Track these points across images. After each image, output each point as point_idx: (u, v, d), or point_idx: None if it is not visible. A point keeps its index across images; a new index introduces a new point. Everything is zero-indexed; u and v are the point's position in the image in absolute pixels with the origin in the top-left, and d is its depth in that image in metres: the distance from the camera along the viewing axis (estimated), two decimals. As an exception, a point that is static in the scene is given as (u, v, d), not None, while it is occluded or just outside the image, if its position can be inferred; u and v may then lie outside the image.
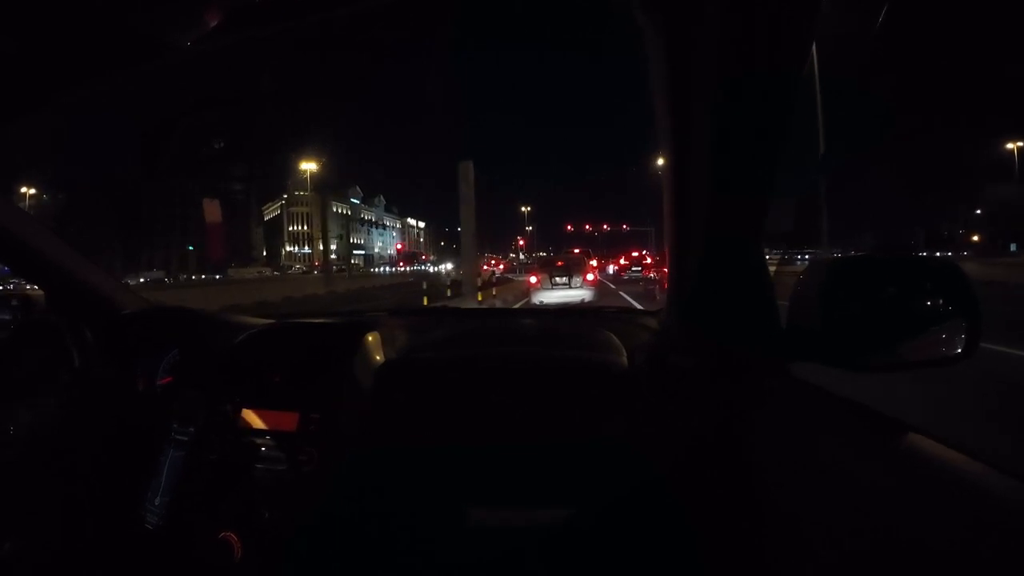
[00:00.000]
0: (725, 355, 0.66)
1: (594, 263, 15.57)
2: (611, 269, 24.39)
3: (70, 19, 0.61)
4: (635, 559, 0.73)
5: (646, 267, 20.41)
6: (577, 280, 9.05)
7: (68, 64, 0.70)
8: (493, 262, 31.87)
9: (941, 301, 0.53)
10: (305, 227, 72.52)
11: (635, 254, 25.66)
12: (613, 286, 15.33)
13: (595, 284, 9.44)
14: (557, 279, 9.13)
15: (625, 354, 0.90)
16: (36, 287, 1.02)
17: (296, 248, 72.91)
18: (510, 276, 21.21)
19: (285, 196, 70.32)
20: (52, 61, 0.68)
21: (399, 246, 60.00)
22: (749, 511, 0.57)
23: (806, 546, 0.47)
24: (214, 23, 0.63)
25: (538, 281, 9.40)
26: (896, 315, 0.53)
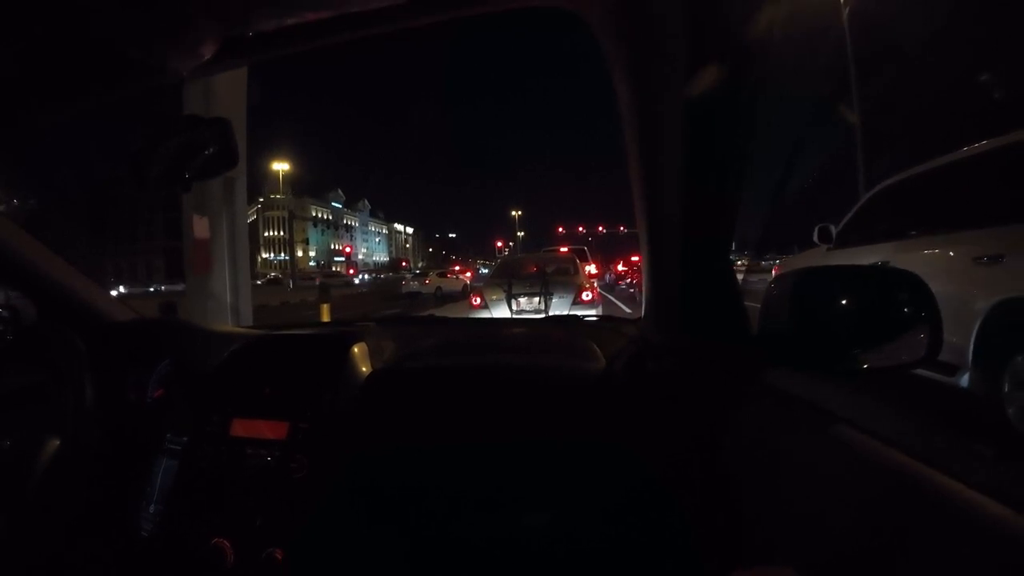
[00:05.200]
0: (701, 360, 0.71)
1: (592, 269, 12.22)
2: (608, 277, 22.15)
3: (63, 41, 0.66)
4: (618, 561, 0.78)
5: (630, 272, 18.12)
6: (563, 301, 5.51)
7: (58, 84, 0.74)
8: (457, 268, 29.76)
9: (904, 309, 0.59)
10: (281, 232, 71.80)
11: (635, 259, 21.57)
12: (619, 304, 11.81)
13: (594, 304, 5.79)
14: (522, 299, 5.44)
15: (604, 361, 0.95)
16: (24, 297, 1.06)
17: (272, 255, 72.17)
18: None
19: (261, 200, 69.75)
20: (41, 81, 0.73)
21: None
22: (724, 512, 0.62)
23: (777, 545, 0.52)
24: (208, 55, 0.68)
25: (480, 303, 5.74)
26: (862, 322, 0.59)
